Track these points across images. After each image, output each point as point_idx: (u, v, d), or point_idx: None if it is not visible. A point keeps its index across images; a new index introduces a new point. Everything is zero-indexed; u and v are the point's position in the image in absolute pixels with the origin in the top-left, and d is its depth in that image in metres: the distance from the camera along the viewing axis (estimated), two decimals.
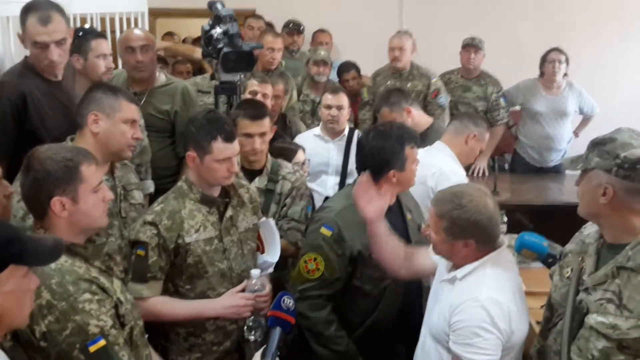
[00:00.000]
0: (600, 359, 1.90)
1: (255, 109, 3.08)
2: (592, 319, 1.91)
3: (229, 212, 2.58)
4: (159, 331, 2.58)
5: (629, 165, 1.85)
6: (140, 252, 2.44)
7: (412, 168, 2.70)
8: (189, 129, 2.54)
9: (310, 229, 2.74)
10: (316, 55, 5.19)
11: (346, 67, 5.65)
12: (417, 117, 4.02)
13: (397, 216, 2.79)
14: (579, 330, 1.96)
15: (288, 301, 2.15)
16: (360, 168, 2.74)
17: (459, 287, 2.15)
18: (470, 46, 5.33)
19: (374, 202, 2.45)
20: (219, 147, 2.46)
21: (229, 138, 2.49)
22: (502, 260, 2.20)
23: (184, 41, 6.73)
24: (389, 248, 2.50)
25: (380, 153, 2.64)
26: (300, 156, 3.49)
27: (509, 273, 2.20)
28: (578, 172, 2.03)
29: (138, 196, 2.79)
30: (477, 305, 2.06)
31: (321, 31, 6.05)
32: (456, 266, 2.23)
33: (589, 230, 2.13)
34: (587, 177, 1.96)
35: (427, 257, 2.46)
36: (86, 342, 1.85)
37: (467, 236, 2.12)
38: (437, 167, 3.29)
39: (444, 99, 5.19)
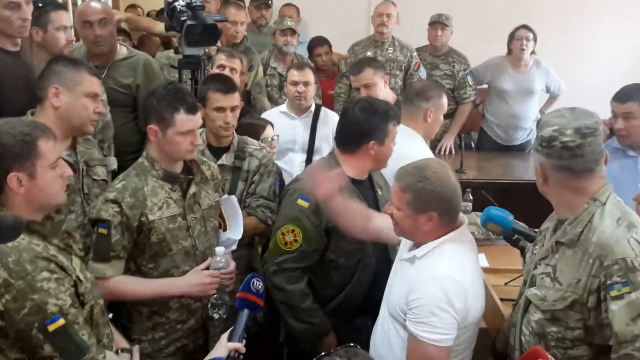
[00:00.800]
0: (537, 331, 2.00)
1: (225, 83, 3.04)
2: (530, 291, 2.02)
3: (192, 189, 2.54)
4: (121, 310, 2.56)
5: (546, 144, 1.93)
6: (103, 230, 2.39)
7: (390, 146, 2.74)
8: (149, 102, 2.47)
9: (286, 202, 2.72)
10: (283, 24, 5.12)
11: (319, 42, 5.61)
12: (387, 92, 4.04)
13: (369, 192, 2.81)
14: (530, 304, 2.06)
15: (257, 283, 2.15)
16: (340, 137, 2.75)
17: (418, 266, 2.16)
18: (437, 23, 5.32)
19: (326, 183, 2.44)
20: (182, 119, 2.41)
21: (191, 109, 2.44)
22: (462, 239, 2.21)
23: (148, 14, 6.58)
24: (350, 213, 2.50)
25: (365, 123, 2.67)
26: (268, 132, 3.45)
27: (468, 252, 2.21)
28: None
29: (101, 172, 2.75)
30: (434, 283, 2.07)
31: (288, 5, 5.98)
32: (417, 245, 2.23)
33: None
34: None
35: (387, 220, 2.44)
36: (45, 321, 1.82)
37: (431, 209, 2.12)
38: (418, 157, 3.26)
39: (424, 72, 5.23)
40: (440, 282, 2.06)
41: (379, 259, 2.74)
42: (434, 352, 2.05)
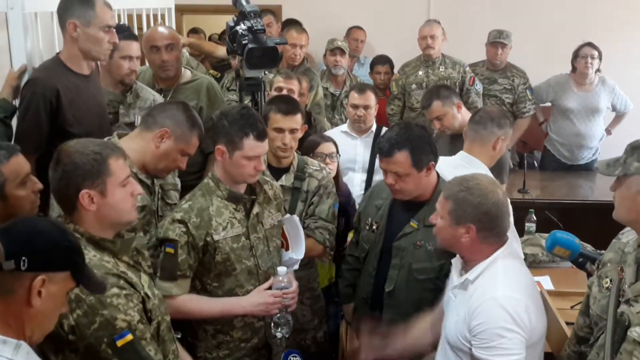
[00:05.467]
0: None
1: (288, 104, 3.06)
2: (635, 332, 1.84)
3: (255, 209, 2.57)
4: (187, 328, 2.59)
5: None
6: (169, 249, 2.43)
7: None
8: (221, 123, 2.51)
9: None
10: (332, 44, 5.15)
11: (381, 60, 5.65)
12: (464, 114, 3.86)
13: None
14: (621, 344, 1.89)
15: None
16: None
17: (473, 290, 2.12)
18: (498, 43, 5.25)
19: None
20: (250, 144, 2.45)
21: (260, 136, 2.48)
22: (509, 255, 2.18)
23: (209, 38, 6.75)
24: (411, 342, 2.51)
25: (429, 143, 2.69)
26: (325, 148, 3.44)
27: (519, 267, 2.18)
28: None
29: (174, 196, 2.80)
30: (495, 305, 2.03)
31: (357, 28, 6.02)
32: (465, 267, 2.21)
33: (628, 237, 2.06)
34: (627, 183, 1.88)
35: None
36: (113, 337, 1.86)
37: (469, 221, 2.10)
38: None
39: (480, 86, 5.16)
40: (501, 302, 2.03)
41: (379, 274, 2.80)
42: None
